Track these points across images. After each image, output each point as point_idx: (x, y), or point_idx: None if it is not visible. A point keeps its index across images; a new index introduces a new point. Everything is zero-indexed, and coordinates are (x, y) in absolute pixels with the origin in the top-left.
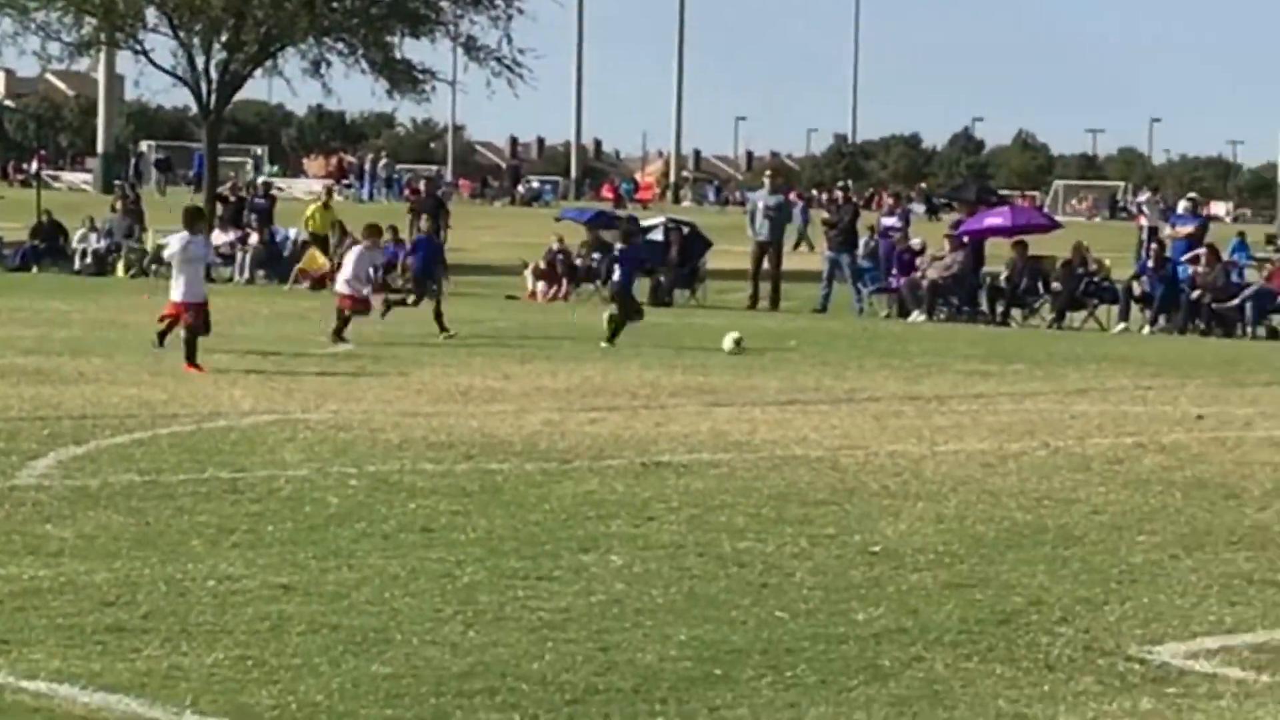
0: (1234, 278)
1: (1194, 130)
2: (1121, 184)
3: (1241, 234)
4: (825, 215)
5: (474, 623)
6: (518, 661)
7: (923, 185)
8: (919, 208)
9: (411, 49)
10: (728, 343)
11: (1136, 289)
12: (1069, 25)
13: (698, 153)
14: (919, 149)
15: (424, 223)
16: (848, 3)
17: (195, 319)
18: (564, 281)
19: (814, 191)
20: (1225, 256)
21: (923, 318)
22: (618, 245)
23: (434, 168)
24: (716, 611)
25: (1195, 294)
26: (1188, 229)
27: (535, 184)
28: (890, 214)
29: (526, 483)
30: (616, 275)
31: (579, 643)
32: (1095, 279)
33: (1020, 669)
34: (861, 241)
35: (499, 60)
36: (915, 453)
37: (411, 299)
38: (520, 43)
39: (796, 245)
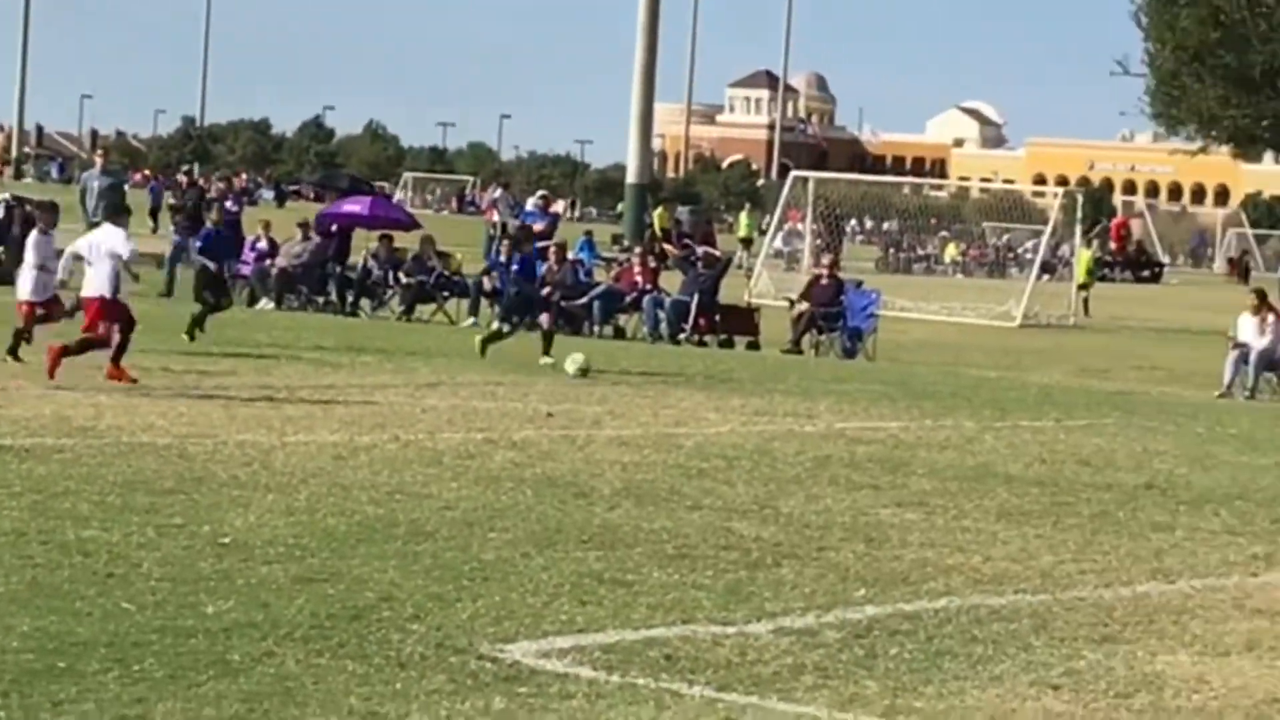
0: (582, 276)
1: (543, 128)
2: (471, 178)
3: (589, 233)
4: (171, 200)
5: None
6: None
7: (269, 171)
8: (268, 194)
9: None
10: (571, 366)
11: (487, 284)
12: (421, 19)
13: (40, 128)
14: (268, 135)
15: (215, 213)
16: None
17: None
18: None
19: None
20: (572, 255)
21: (271, 305)
22: (516, 254)
23: None
24: (60, 602)
25: (545, 291)
26: (538, 226)
27: None
28: (224, 198)
29: None
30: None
31: None
32: (445, 273)
33: (372, 666)
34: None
35: None
36: (265, 443)
37: (217, 301)
38: None
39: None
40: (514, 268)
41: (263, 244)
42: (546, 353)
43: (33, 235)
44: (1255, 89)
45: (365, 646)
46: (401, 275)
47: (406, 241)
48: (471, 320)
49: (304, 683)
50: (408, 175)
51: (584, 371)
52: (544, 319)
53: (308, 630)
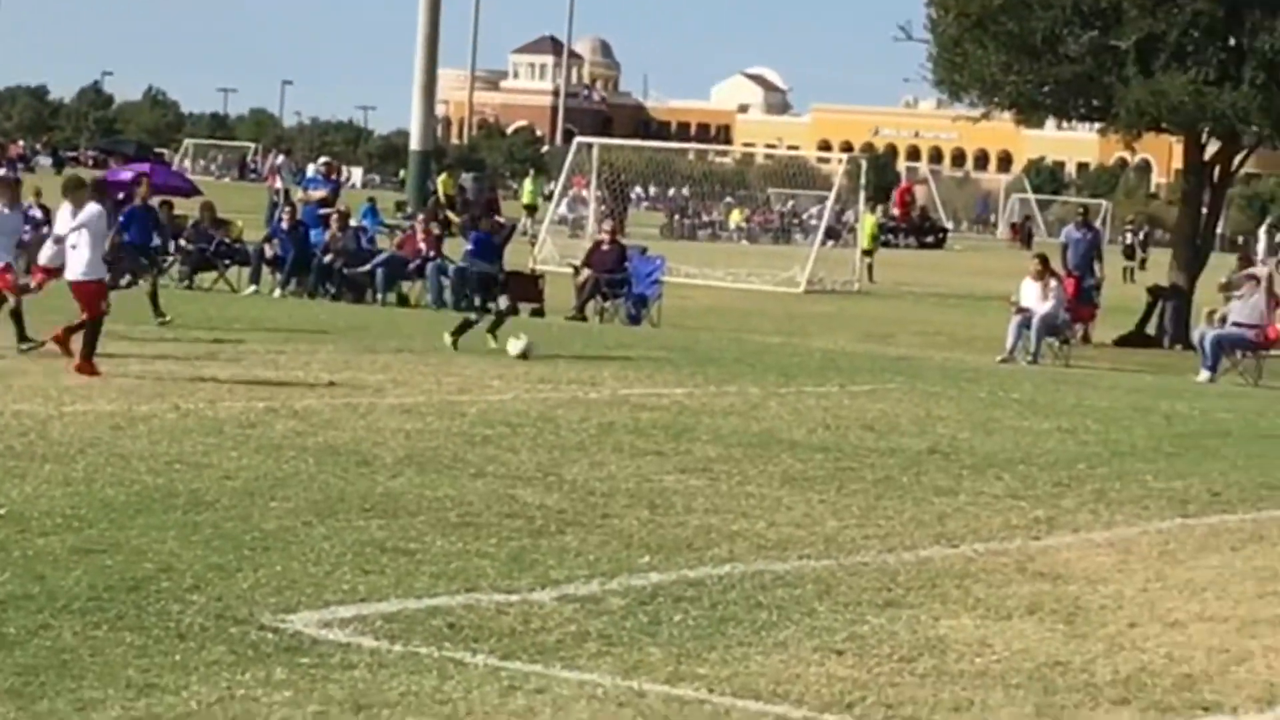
0: (365, 243)
1: (325, 94)
2: (252, 145)
3: (372, 200)
4: None
5: None
6: None
7: (46, 138)
8: (46, 160)
9: None
10: (513, 348)
11: (268, 251)
12: None
13: None
14: (45, 101)
15: (144, 187)
16: None
17: None
18: None
19: None
20: (355, 222)
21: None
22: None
23: None
24: None
25: (327, 258)
26: (320, 193)
27: None
28: None
29: None
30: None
31: None
32: (226, 240)
33: (151, 637)
34: None
35: None
36: (42, 413)
37: (127, 280)
38: None
39: None
40: (469, 248)
41: (36, 212)
42: (493, 334)
43: None
44: (1037, 55)
45: (144, 618)
46: (182, 242)
47: (187, 208)
48: (253, 288)
49: (81, 655)
50: (188, 142)
51: (525, 354)
52: (502, 300)
53: (85, 602)
